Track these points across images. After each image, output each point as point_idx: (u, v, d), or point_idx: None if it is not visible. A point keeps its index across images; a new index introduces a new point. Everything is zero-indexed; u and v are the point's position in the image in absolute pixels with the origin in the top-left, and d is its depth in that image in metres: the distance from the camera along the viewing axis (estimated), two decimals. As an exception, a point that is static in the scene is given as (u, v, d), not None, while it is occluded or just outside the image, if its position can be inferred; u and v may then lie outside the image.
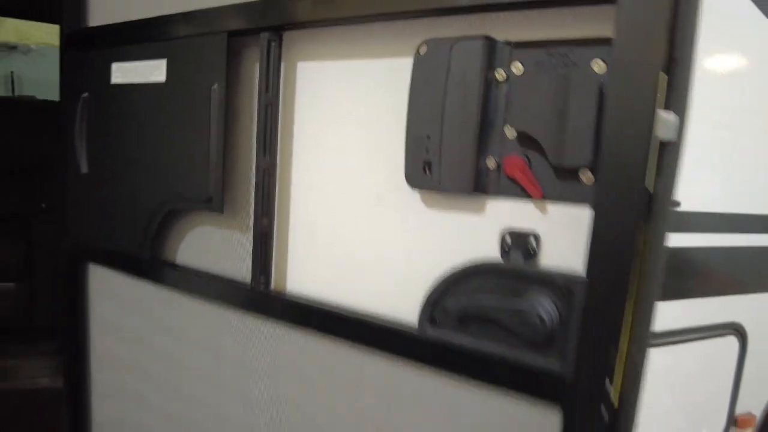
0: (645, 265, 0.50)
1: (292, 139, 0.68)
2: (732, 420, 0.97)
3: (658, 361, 0.78)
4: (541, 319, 0.46)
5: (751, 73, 0.75)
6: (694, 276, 0.77)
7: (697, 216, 0.73)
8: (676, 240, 0.73)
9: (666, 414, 0.83)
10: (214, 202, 0.71)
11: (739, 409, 0.96)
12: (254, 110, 0.68)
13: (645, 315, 0.51)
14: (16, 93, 5.23)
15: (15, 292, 2.81)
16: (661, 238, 0.50)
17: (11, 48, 5.31)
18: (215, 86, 0.70)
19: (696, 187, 0.71)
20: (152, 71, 0.78)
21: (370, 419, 0.63)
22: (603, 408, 0.48)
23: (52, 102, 3.75)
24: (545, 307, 0.47)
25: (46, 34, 5.36)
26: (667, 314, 0.76)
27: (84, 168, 0.89)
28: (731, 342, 0.89)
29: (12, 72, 5.25)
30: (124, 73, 0.82)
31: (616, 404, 0.52)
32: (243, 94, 0.71)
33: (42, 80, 5.15)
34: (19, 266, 2.77)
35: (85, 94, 0.88)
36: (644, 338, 0.51)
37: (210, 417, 0.81)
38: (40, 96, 4.22)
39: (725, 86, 0.70)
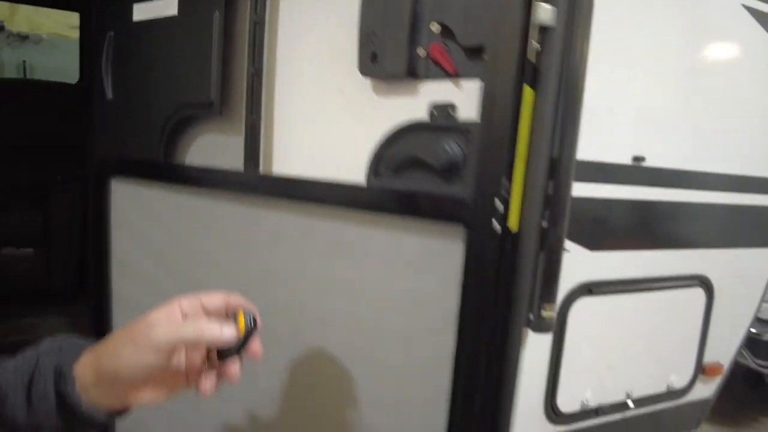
0: (536, 121, 0.67)
1: (276, 50, 0.86)
2: (700, 368, 1.09)
3: (627, 307, 0.93)
4: (445, 151, 0.64)
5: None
6: (662, 228, 0.90)
7: (667, 173, 0.87)
8: (647, 194, 0.88)
9: (635, 357, 0.96)
10: (214, 106, 0.90)
11: (708, 358, 1.09)
12: (246, 30, 0.86)
13: (537, 162, 0.68)
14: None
15: (33, 257, 3.00)
16: (548, 104, 0.68)
17: (23, 38, 5.54)
18: (216, 14, 0.88)
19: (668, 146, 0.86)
20: (166, 7, 0.96)
21: (333, 261, 0.82)
22: (495, 222, 0.65)
23: (64, 84, 3.97)
24: (451, 146, 0.65)
25: (56, 24, 5.57)
26: (637, 263, 0.92)
27: (109, 95, 1.08)
28: (698, 293, 1.01)
29: (24, 61, 5.49)
30: (143, 11, 1.00)
31: (515, 228, 0.69)
32: (238, 18, 0.89)
33: (52, 68, 5.38)
34: (37, 233, 2.97)
35: (111, 33, 1.06)
36: (537, 179, 0.68)
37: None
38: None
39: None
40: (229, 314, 0.52)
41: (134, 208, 1.12)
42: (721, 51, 0.94)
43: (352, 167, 0.78)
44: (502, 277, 0.68)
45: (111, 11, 1.07)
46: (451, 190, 0.67)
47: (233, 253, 0.95)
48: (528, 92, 0.66)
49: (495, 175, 0.65)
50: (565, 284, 0.87)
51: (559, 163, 0.77)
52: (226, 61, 0.90)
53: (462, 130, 0.66)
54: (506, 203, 0.66)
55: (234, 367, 0.50)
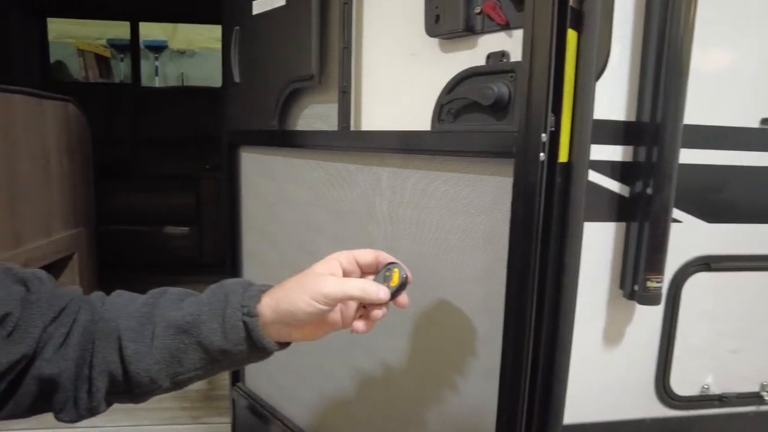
0: (581, 59, 0.73)
1: (362, 26, 1.01)
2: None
3: (756, 286, 0.91)
4: (492, 90, 0.73)
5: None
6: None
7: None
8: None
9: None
10: (314, 78, 1.07)
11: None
12: (337, 11, 1.02)
13: (585, 96, 0.74)
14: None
15: (188, 235, 3.53)
16: (592, 44, 0.74)
17: (182, 53, 6.46)
18: (314, 1, 1.06)
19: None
20: (276, 0, 1.16)
21: (405, 204, 0.94)
22: (542, 154, 0.73)
23: (210, 87, 4.56)
24: (498, 85, 0.74)
25: (206, 39, 6.40)
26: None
27: (237, 78, 1.32)
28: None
29: (182, 72, 6.41)
30: (260, 5, 1.22)
31: (565, 159, 0.76)
32: (331, 2, 1.05)
33: (203, 77, 6.20)
34: (191, 214, 3.48)
35: (237, 27, 1.30)
36: (587, 112, 0.74)
37: (327, 241, 1.17)
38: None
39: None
40: (379, 267, 0.65)
41: (257, 171, 1.35)
42: None
43: (425, 118, 0.90)
44: (553, 206, 0.76)
45: (236, 9, 1.30)
46: (500, 126, 0.76)
47: (332, 202, 1.13)
48: (572, 35, 0.73)
49: (540, 110, 0.72)
50: (678, 257, 0.88)
51: (663, 128, 0.80)
52: (323, 39, 1.07)
53: (507, 70, 0.74)
54: (553, 136, 0.74)
55: (381, 312, 0.63)
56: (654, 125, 0.84)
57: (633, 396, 0.94)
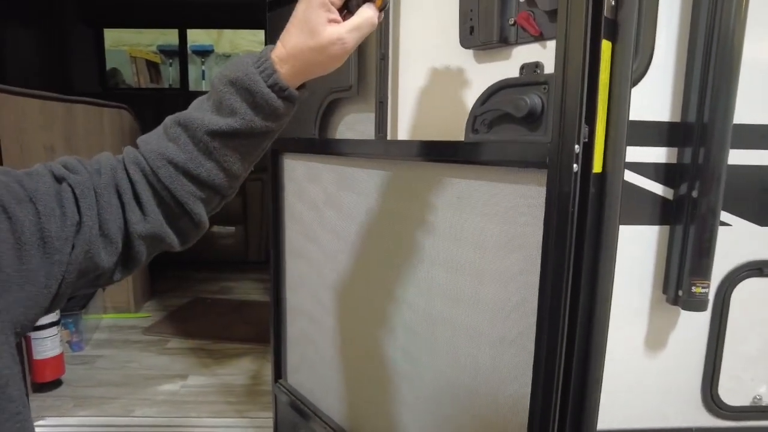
0: (615, 69, 0.74)
1: (398, 38, 1.03)
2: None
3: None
4: (526, 102, 0.74)
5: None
6: None
7: None
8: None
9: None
10: (353, 88, 1.11)
11: None
12: (375, 22, 1.05)
13: (620, 106, 0.74)
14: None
15: (234, 234, 3.65)
16: (627, 55, 0.74)
17: (227, 57, 6.64)
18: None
19: None
20: (317, 12, 1.20)
21: (443, 210, 0.96)
22: (575, 165, 0.73)
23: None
24: (531, 97, 0.75)
25: (250, 43, 6.57)
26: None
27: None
28: None
29: (228, 76, 6.61)
30: (301, 18, 1.26)
31: (599, 169, 0.76)
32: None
33: (248, 81, 6.35)
34: (237, 215, 3.61)
35: (279, 38, 1.35)
36: (621, 123, 0.74)
37: (367, 249, 1.21)
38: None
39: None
40: None
41: (299, 175, 1.40)
42: None
43: (459, 128, 0.92)
44: (587, 216, 0.76)
45: (280, 21, 1.35)
46: (533, 137, 0.77)
47: (369, 206, 1.16)
48: (606, 45, 0.73)
49: (573, 122, 0.73)
50: (726, 262, 0.86)
51: (711, 128, 0.79)
52: (361, 52, 1.10)
53: (541, 81, 0.75)
54: (587, 147, 0.74)
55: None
56: (701, 125, 0.83)
57: (678, 404, 0.93)
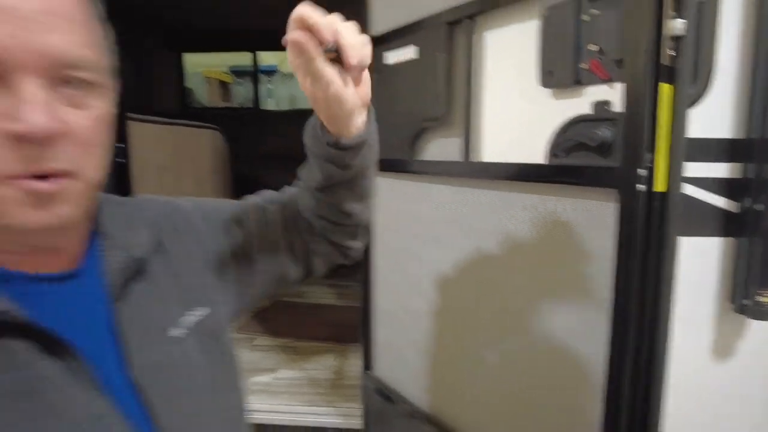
0: (674, 107, 0.90)
1: (483, 74, 1.23)
2: None
3: None
4: (599, 134, 0.92)
5: None
6: None
7: None
8: None
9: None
10: (442, 117, 1.31)
11: None
12: (465, 63, 1.25)
13: (678, 136, 0.90)
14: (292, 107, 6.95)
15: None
16: (683, 95, 0.90)
17: (291, 76, 7.05)
18: (443, 55, 1.29)
19: None
20: (408, 53, 1.42)
21: (523, 225, 1.14)
22: (639, 186, 0.90)
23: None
24: (603, 130, 0.92)
25: (312, 61, 6.94)
26: None
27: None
28: None
29: (291, 93, 7.00)
30: (393, 57, 1.48)
31: (663, 189, 0.92)
32: (456, 55, 1.29)
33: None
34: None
35: (374, 75, 1.57)
36: (679, 148, 0.90)
37: (458, 267, 1.41)
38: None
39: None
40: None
41: (391, 194, 1.62)
42: None
43: (537, 153, 1.10)
44: (651, 228, 0.92)
45: (373, 60, 1.57)
46: (605, 162, 0.95)
47: (454, 222, 1.35)
48: (665, 88, 0.90)
49: (638, 150, 0.90)
50: None
51: None
52: (449, 86, 1.30)
53: (611, 118, 0.93)
54: (650, 170, 0.91)
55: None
56: (764, 140, 0.92)
57: (746, 412, 1.01)
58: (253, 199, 0.80)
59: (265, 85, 6.83)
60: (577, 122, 1.00)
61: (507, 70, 1.17)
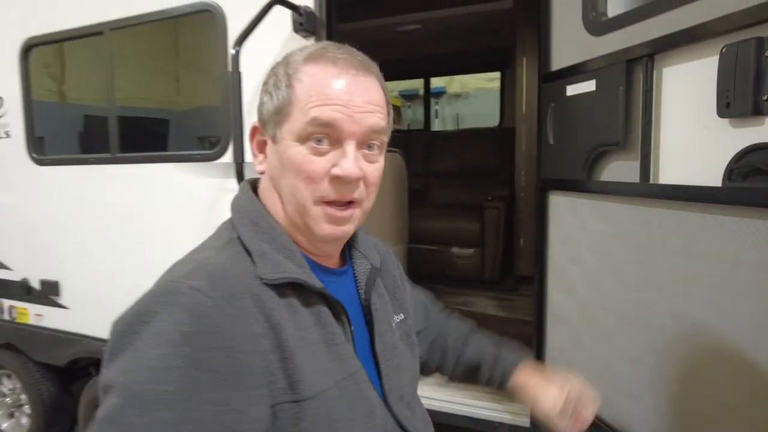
0: None
1: (660, 105, 1.36)
2: None
3: None
4: (778, 161, 1.01)
5: None
6: None
7: None
8: None
9: None
10: (620, 143, 1.46)
11: None
12: (640, 95, 1.40)
13: None
14: (459, 127, 7.27)
15: (472, 255, 4.15)
16: None
17: (457, 96, 7.43)
18: (621, 88, 1.45)
19: None
20: (588, 86, 1.59)
21: (695, 242, 1.24)
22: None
23: (488, 128, 5.21)
24: (782, 158, 1.02)
25: (477, 81, 7.23)
26: None
27: (551, 140, 1.79)
28: None
29: (457, 113, 7.38)
30: (573, 89, 1.67)
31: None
32: (634, 87, 1.43)
33: (475, 115, 7.02)
34: (475, 238, 4.11)
35: (552, 104, 1.77)
36: None
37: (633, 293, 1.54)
38: (477, 125, 5.83)
39: None
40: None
41: (564, 211, 1.79)
42: None
43: (713, 176, 1.20)
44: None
45: (552, 91, 1.78)
46: (782, 186, 1.04)
47: (629, 236, 1.48)
48: None
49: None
50: None
51: None
52: (628, 115, 1.45)
53: (790, 146, 1.02)
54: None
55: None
56: None
57: None
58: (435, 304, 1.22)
59: (433, 106, 7.30)
60: (755, 149, 1.09)
61: (684, 101, 1.30)
